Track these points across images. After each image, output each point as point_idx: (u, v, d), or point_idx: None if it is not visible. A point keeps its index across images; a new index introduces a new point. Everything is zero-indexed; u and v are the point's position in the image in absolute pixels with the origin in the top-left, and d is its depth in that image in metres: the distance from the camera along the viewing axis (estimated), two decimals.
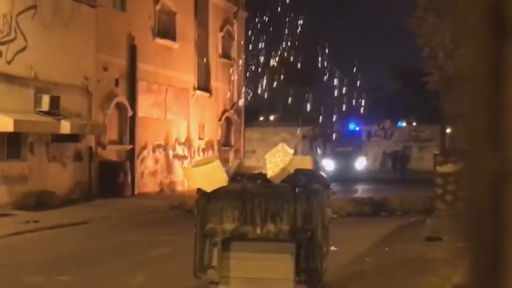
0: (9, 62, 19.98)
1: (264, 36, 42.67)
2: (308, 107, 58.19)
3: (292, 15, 48.07)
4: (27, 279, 10.41)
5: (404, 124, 55.07)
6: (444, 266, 9.79)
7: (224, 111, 35.35)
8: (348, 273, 10.16)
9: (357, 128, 46.67)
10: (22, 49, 20.46)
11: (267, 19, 43.86)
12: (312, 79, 56.77)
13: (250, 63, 38.07)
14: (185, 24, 30.81)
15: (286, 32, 48.08)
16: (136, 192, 26.07)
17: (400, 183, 33.76)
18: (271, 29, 45.01)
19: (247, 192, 7.67)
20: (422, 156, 46.73)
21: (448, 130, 18.10)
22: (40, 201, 20.90)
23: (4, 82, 19.73)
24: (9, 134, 19.78)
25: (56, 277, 10.60)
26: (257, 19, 39.04)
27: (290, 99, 52.39)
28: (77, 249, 13.74)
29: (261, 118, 54.69)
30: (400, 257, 11.32)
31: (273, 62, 50.83)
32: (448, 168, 16.72)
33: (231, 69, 36.06)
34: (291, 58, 51.89)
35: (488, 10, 1.77)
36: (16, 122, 18.96)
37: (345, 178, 34.87)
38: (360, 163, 42.44)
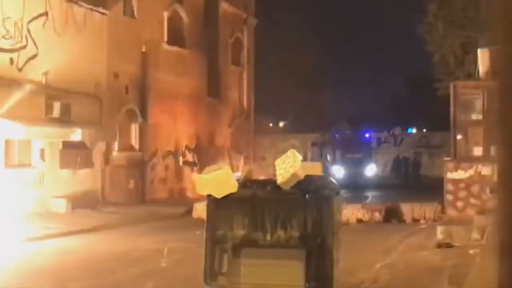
0: (20, 69, 20.09)
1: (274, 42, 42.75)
2: (318, 113, 58.06)
3: (302, 22, 48.03)
4: (37, 286, 10.43)
5: (414, 130, 54.95)
6: (454, 273, 9.76)
7: (234, 118, 35.38)
8: (358, 280, 10.14)
9: (367, 135, 46.63)
10: (33, 56, 20.56)
11: (276, 25, 43.92)
12: (322, 85, 56.74)
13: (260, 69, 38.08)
14: (195, 31, 30.89)
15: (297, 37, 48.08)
16: (146, 199, 26.12)
17: (410, 189, 33.59)
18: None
19: (257, 198, 7.66)
20: (433, 162, 46.58)
21: (459, 137, 18.03)
22: (52, 207, 20.97)
23: (15, 89, 19.83)
24: (20, 141, 19.87)
25: (66, 284, 10.62)
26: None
27: (300, 105, 52.35)
28: (88, 256, 13.78)
29: (271, 125, 54.63)
30: (411, 264, 11.29)
31: (284, 67, 50.82)
32: (458, 174, 16.68)
33: (241, 76, 36.10)
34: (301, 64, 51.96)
35: None
36: (27, 129, 19.04)
37: (355, 184, 34.82)
38: (370, 170, 42.39)
